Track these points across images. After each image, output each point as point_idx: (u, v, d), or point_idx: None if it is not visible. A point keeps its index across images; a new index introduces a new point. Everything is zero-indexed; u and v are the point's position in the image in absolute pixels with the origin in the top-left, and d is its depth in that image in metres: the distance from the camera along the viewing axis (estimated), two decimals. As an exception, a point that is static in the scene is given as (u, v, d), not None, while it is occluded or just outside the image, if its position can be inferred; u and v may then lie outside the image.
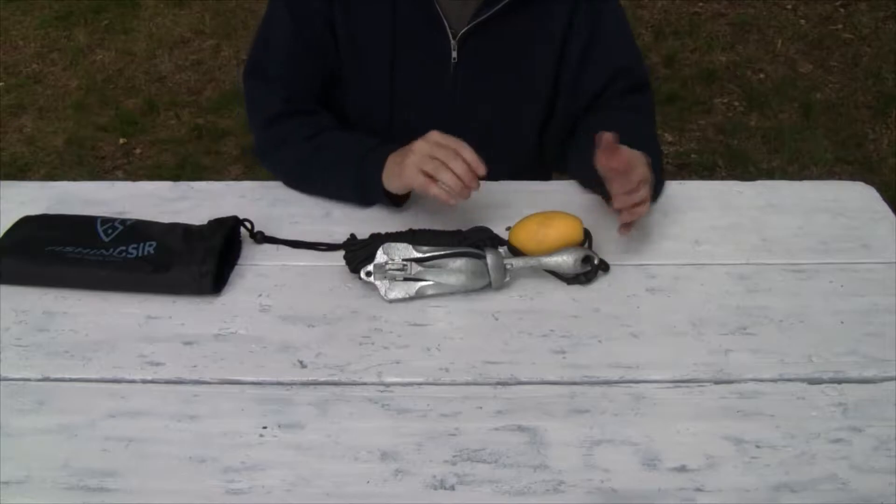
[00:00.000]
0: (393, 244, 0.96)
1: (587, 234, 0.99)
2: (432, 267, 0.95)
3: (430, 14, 1.09)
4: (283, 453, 0.78)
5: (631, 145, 0.97)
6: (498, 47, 1.12)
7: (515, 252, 0.99)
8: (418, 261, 0.95)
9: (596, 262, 0.97)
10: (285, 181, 1.14)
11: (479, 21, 1.09)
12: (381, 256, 0.95)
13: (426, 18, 1.09)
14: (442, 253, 0.95)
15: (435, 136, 0.97)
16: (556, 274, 0.98)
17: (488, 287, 0.96)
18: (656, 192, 1.08)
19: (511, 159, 1.23)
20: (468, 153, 0.95)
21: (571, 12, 1.12)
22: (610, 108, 1.16)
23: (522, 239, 0.99)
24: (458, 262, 0.95)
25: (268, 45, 1.14)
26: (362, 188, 1.07)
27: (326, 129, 1.12)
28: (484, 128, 1.19)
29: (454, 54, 1.12)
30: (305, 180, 1.13)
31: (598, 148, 0.93)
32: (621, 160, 0.94)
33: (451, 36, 1.10)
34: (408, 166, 0.97)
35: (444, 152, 0.95)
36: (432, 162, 0.95)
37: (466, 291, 0.96)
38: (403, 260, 0.94)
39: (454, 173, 0.94)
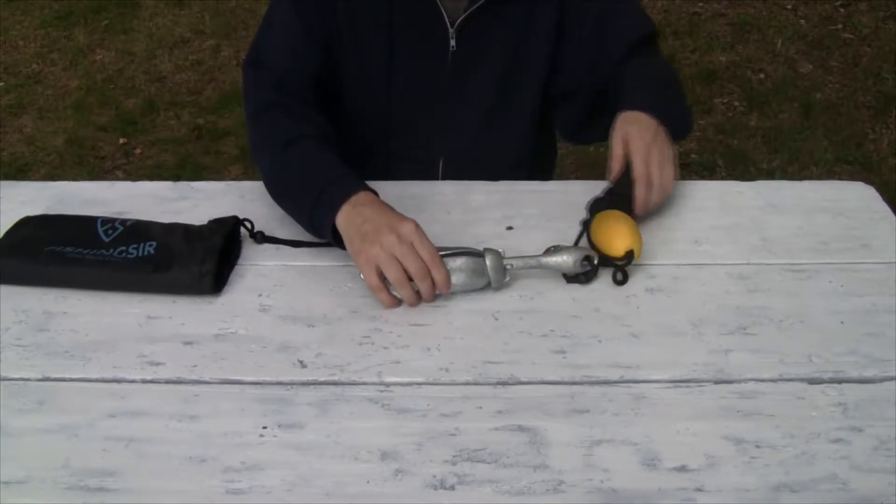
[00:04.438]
0: None
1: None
2: None
3: (428, 4, 1.09)
4: (283, 453, 0.78)
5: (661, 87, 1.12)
6: (495, 33, 1.13)
7: (594, 247, 0.99)
8: None
9: (596, 261, 0.97)
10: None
11: (477, 8, 1.09)
12: None
13: (424, 8, 1.09)
14: (442, 253, 0.95)
15: (410, 233, 0.89)
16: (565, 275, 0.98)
17: (488, 287, 0.96)
18: (678, 120, 1.09)
19: (510, 144, 1.24)
20: (439, 272, 0.90)
21: None
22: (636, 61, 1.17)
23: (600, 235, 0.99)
24: (458, 262, 0.94)
25: (267, 34, 1.14)
26: (313, 227, 0.99)
27: (301, 140, 1.04)
28: (482, 114, 1.20)
29: (452, 43, 1.12)
30: (274, 195, 1.05)
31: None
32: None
33: (448, 25, 1.11)
34: (365, 256, 0.90)
35: (415, 265, 0.89)
36: (395, 270, 0.89)
37: (466, 291, 0.96)
38: None
39: (413, 292, 0.90)
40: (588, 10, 1.14)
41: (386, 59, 1.13)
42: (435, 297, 0.94)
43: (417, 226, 0.91)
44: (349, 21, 1.11)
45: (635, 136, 1.01)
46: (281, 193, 1.05)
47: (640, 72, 1.14)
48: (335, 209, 0.94)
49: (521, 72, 1.17)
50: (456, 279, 0.94)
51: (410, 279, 0.91)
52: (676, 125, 1.08)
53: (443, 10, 1.09)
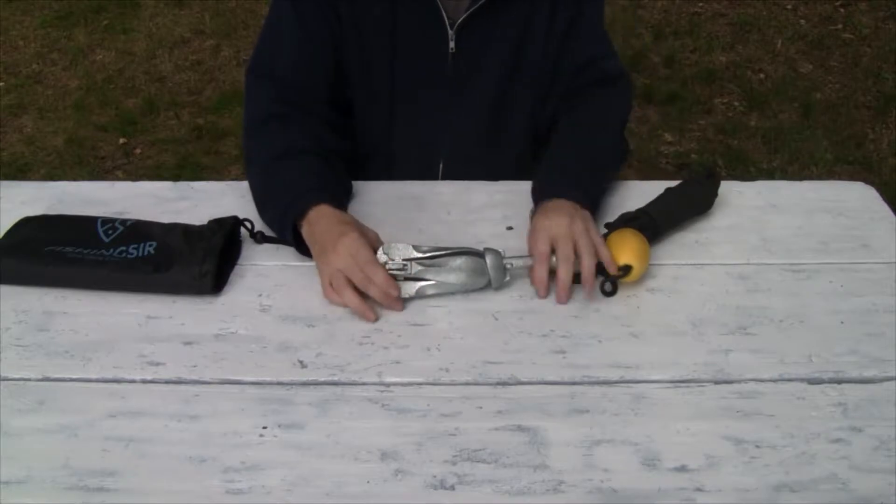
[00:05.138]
0: (393, 244, 0.96)
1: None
2: (432, 266, 0.95)
3: (429, 5, 1.09)
4: (283, 453, 0.78)
5: (588, 156, 1.07)
6: (494, 35, 1.13)
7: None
8: (418, 260, 0.95)
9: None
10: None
11: (477, 8, 1.09)
12: (381, 256, 0.95)
13: (425, 9, 1.09)
14: (442, 253, 0.95)
15: (345, 248, 0.92)
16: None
17: (488, 286, 0.96)
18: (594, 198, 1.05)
19: (510, 144, 1.24)
20: (377, 276, 0.91)
21: None
22: (581, 106, 1.16)
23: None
24: (458, 261, 0.95)
25: (270, 41, 1.13)
26: (280, 232, 1.02)
27: (287, 156, 1.05)
28: (481, 115, 1.19)
29: (451, 44, 1.12)
30: (261, 213, 1.07)
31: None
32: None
33: (448, 26, 1.10)
34: (321, 271, 0.95)
35: (357, 277, 0.92)
36: (338, 281, 0.92)
37: (466, 291, 0.96)
38: (403, 260, 0.94)
39: (357, 298, 0.92)
40: (568, 11, 1.14)
41: (388, 62, 1.13)
42: (395, 299, 0.92)
43: (355, 237, 0.92)
44: (352, 24, 1.10)
45: (556, 228, 0.96)
46: (259, 207, 1.07)
47: (565, 144, 1.12)
48: (294, 227, 0.99)
49: (520, 72, 1.17)
50: (456, 278, 0.94)
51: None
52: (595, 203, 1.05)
53: (443, 12, 1.09)
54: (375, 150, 1.22)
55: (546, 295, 0.95)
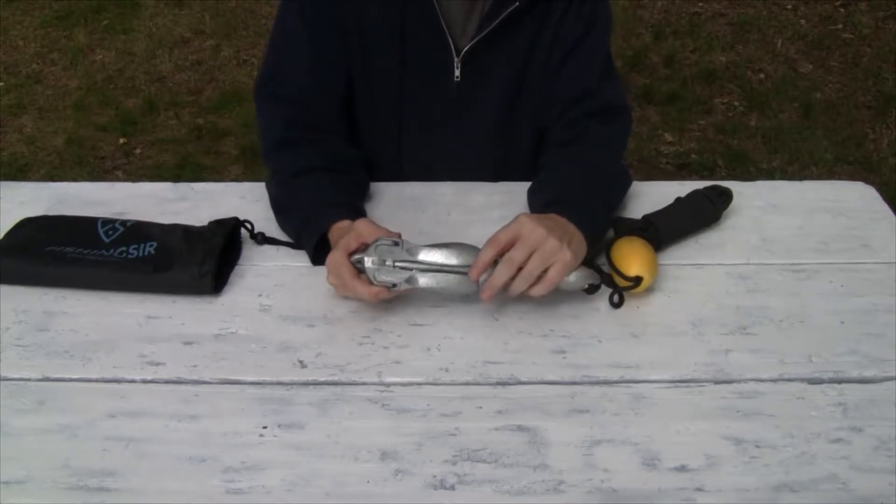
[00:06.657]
0: (384, 244, 0.90)
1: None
2: (420, 272, 0.90)
3: (436, 32, 1.08)
4: (283, 453, 0.78)
5: (588, 187, 1.01)
6: (498, 62, 1.12)
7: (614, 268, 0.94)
8: (405, 266, 0.90)
9: (599, 282, 0.95)
10: None
11: (481, 39, 1.08)
12: (368, 260, 0.89)
13: (432, 36, 1.09)
14: (432, 266, 0.90)
15: (328, 273, 0.92)
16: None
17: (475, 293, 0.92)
18: (600, 229, 1.00)
19: (511, 167, 1.23)
20: (359, 293, 0.90)
21: (564, 12, 1.11)
22: (577, 141, 1.11)
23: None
24: (449, 278, 0.90)
25: (280, 59, 1.11)
26: (298, 244, 1.04)
27: (305, 173, 1.05)
28: (485, 141, 1.20)
29: (457, 72, 1.12)
30: (279, 220, 1.07)
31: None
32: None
33: (454, 54, 1.10)
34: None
35: (345, 293, 0.93)
36: (342, 293, 0.94)
37: (451, 295, 0.93)
38: (395, 264, 0.89)
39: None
40: (574, 31, 1.11)
41: (396, 90, 1.13)
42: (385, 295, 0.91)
43: (332, 258, 0.91)
44: (361, 49, 1.10)
45: (529, 232, 0.87)
46: (280, 223, 1.07)
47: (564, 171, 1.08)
48: (317, 250, 0.99)
49: (522, 100, 1.16)
50: (440, 288, 0.90)
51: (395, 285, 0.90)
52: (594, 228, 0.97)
53: (450, 41, 1.09)
54: (385, 170, 1.21)
55: (476, 278, 0.87)
